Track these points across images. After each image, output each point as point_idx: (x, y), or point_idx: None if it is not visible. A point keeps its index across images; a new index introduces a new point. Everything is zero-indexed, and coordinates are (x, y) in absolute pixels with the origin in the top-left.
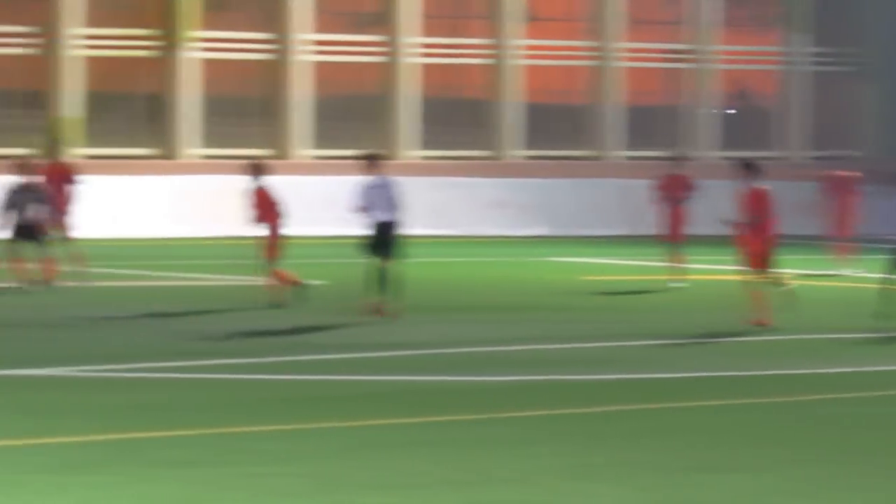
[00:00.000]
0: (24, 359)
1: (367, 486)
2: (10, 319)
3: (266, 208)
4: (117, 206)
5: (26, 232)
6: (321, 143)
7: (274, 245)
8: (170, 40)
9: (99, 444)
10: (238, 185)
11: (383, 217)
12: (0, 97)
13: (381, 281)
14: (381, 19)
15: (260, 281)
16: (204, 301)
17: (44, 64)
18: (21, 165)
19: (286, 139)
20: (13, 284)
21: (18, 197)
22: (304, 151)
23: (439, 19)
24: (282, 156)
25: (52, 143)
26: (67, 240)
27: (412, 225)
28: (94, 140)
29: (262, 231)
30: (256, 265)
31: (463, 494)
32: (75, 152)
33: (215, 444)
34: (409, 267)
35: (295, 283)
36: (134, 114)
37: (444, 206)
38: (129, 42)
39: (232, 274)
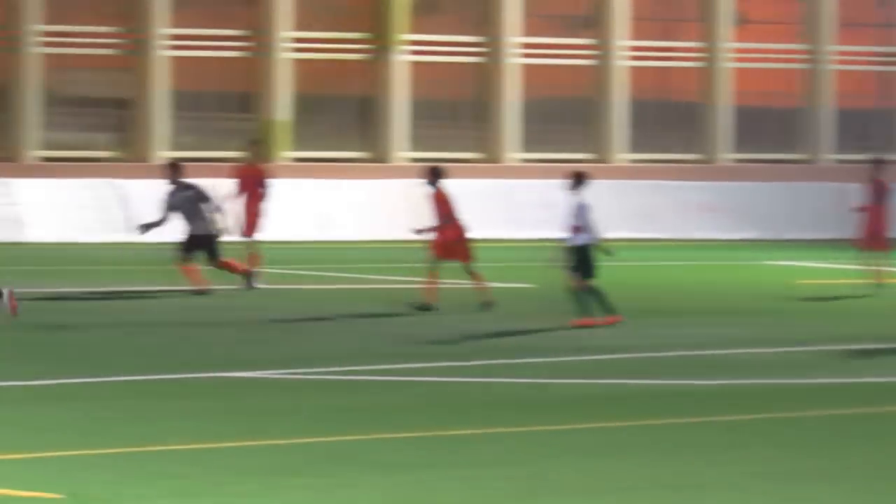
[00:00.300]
0: (234, 361)
1: (576, 490)
2: (218, 321)
3: (443, 211)
4: (326, 209)
5: (200, 242)
6: (530, 146)
7: (450, 247)
8: (380, 43)
9: (308, 446)
10: (449, 189)
11: (588, 239)
12: (212, 100)
13: (592, 297)
14: (591, 22)
15: (469, 284)
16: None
17: (255, 67)
18: (172, 166)
19: (496, 142)
20: (202, 288)
21: (179, 199)
22: (514, 155)
23: (649, 22)
24: (492, 159)
25: (254, 145)
26: (254, 242)
27: (621, 228)
28: (302, 143)
29: (436, 234)
30: (442, 267)
31: (674, 499)
32: (283, 155)
33: (424, 447)
34: (618, 271)
35: (427, 303)
36: (343, 117)
37: (653, 209)
38: (339, 45)
39: (442, 278)
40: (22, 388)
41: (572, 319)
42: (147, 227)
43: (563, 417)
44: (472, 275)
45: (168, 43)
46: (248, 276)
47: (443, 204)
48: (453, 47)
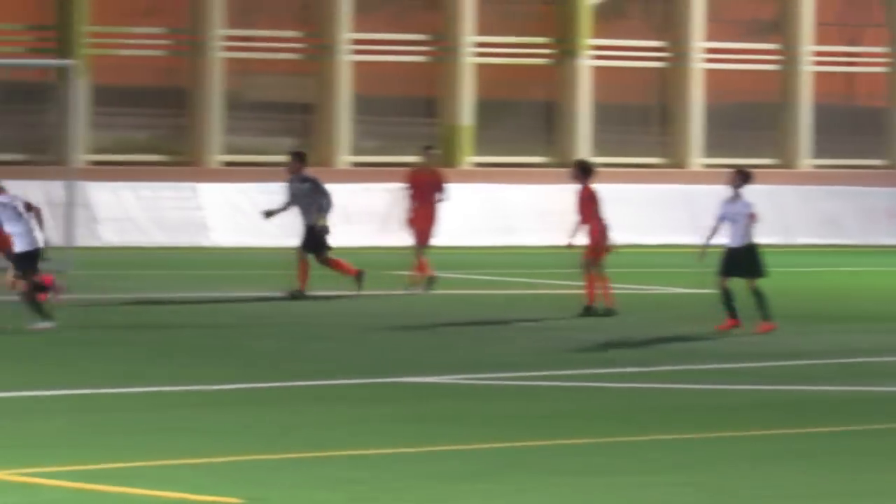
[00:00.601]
0: (413, 366)
1: (756, 497)
2: (395, 326)
3: (588, 212)
4: (507, 213)
5: (310, 237)
6: (713, 151)
7: (594, 250)
8: (563, 48)
9: (488, 452)
10: (630, 194)
11: (745, 240)
12: (394, 105)
13: (756, 300)
14: (775, 27)
15: (581, 284)
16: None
17: (437, 72)
18: (296, 155)
19: (679, 147)
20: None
21: (294, 189)
22: (697, 160)
23: (835, 27)
24: (675, 164)
25: (429, 150)
26: (425, 247)
27: (806, 234)
28: (485, 148)
29: (584, 236)
30: (582, 270)
31: None
32: (466, 160)
33: (605, 453)
34: (802, 277)
35: (609, 308)
36: (526, 122)
37: (838, 215)
38: (522, 50)
39: (623, 283)
40: (203, 393)
41: (760, 325)
42: (270, 214)
43: (742, 424)
44: (588, 276)
45: (351, 47)
46: (359, 277)
47: (588, 202)
48: (637, 52)
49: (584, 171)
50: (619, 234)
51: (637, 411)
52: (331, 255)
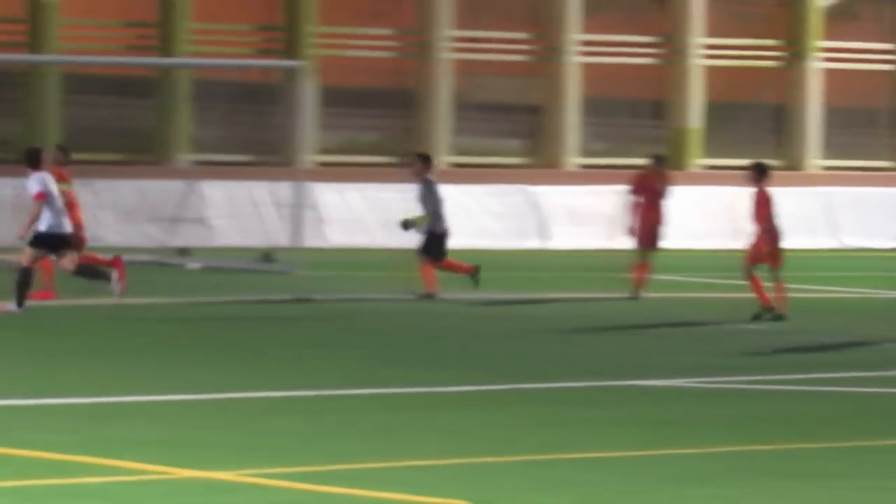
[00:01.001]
0: (641, 369)
1: None
2: (619, 327)
3: (761, 215)
4: (739, 216)
5: (434, 241)
6: None
7: (760, 253)
8: (793, 50)
9: (719, 455)
10: (860, 197)
11: None
12: (622, 107)
13: None
14: None
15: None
16: (830, 311)
17: (666, 74)
18: (420, 156)
19: None
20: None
21: (420, 192)
22: None
23: None
24: None
25: (657, 157)
26: (649, 251)
27: None
28: (714, 151)
29: (752, 237)
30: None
31: None
32: (695, 163)
33: (838, 457)
34: None
35: (779, 299)
36: (756, 125)
37: None
38: (752, 52)
39: (851, 286)
40: (431, 395)
41: None
42: (408, 225)
43: None
44: (777, 281)
45: (579, 49)
46: (474, 274)
47: (763, 205)
48: (868, 54)
49: (760, 173)
50: (847, 238)
51: (867, 415)
52: (425, 262)
